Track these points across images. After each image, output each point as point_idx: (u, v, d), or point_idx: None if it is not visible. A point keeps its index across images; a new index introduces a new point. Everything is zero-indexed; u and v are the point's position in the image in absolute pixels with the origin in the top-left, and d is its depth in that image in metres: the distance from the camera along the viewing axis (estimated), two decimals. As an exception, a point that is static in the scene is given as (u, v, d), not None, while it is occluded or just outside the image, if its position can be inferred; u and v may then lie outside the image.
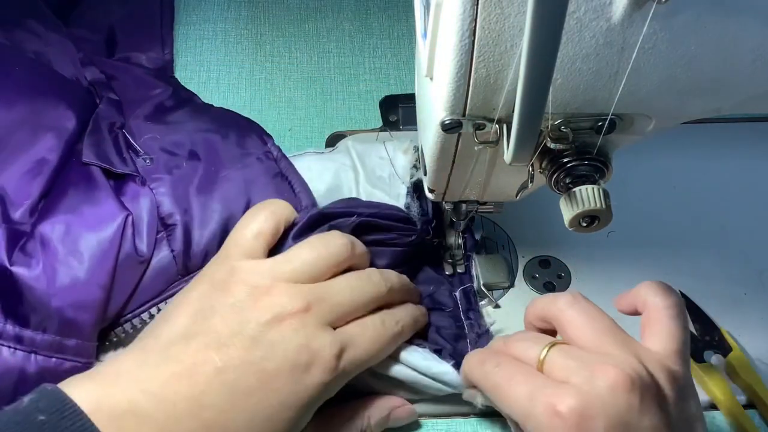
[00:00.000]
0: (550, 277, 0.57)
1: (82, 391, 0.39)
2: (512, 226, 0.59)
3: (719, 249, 0.59)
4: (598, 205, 0.37)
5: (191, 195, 0.50)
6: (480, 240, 0.58)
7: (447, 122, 0.37)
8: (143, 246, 0.48)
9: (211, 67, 0.69)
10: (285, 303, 0.43)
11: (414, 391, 0.50)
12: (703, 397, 0.52)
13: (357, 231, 0.49)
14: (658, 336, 0.42)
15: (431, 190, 0.48)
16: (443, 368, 0.48)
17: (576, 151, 0.38)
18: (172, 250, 0.49)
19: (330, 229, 0.49)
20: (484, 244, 0.58)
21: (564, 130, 0.37)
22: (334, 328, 0.45)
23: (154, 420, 0.40)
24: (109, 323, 0.48)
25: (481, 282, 0.56)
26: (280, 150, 0.54)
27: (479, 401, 0.47)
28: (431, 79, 0.38)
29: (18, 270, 0.45)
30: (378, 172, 0.56)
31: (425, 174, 0.47)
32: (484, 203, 0.51)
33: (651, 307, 0.43)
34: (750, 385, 0.51)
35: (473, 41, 0.33)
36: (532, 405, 0.39)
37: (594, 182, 0.38)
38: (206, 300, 0.44)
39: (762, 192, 0.62)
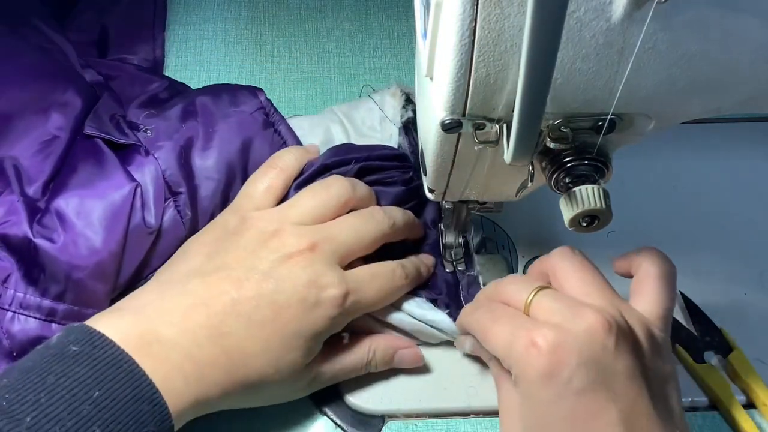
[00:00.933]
0: (550, 277, 0.57)
1: (108, 324, 0.42)
2: (512, 226, 0.59)
3: (719, 249, 0.59)
4: (598, 205, 0.37)
5: (194, 157, 0.53)
6: (480, 240, 0.58)
7: (447, 122, 0.37)
8: (151, 218, 0.50)
9: (211, 67, 0.69)
10: (293, 243, 0.47)
11: (410, 337, 0.52)
12: (702, 397, 0.52)
13: (356, 176, 0.52)
14: (645, 299, 0.44)
15: (431, 190, 0.48)
16: (438, 316, 0.51)
17: (576, 151, 0.38)
18: (181, 216, 0.51)
19: (332, 175, 0.51)
20: (484, 243, 0.58)
21: (564, 130, 0.37)
22: (344, 268, 0.48)
23: (180, 346, 0.43)
24: (121, 290, 0.50)
25: (481, 282, 0.56)
26: (271, 103, 0.56)
27: (467, 346, 0.49)
28: (431, 79, 0.38)
29: (41, 242, 0.48)
30: (368, 122, 0.58)
31: (425, 174, 0.47)
32: (484, 203, 0.51)
33: (644, 271, 0.45)
34: (750, 386, 0.51)
35: (473, 41, 0.33)
36: (513, 339, 0.41)
37: (594, 182, 0.38)
38: (220, 243, 0.48)
39: (762, 192, 0.62)
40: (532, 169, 0.39)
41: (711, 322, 0.55)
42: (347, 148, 0.55)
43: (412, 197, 0.54)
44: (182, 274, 0.47)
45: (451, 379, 0.52)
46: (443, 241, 0.56)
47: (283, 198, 0.51)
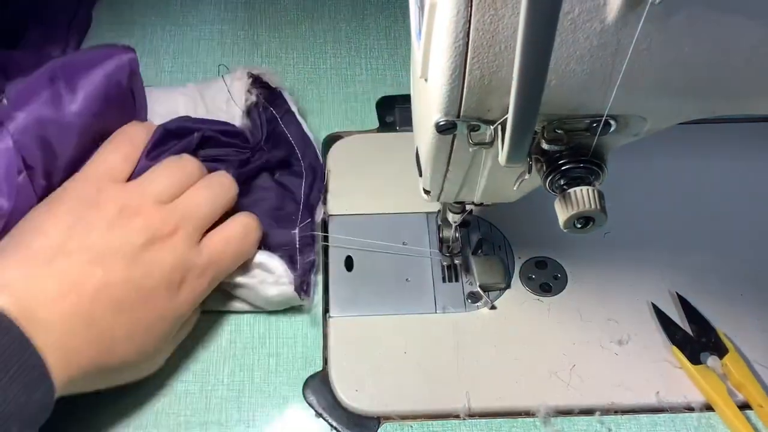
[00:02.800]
0: (546, 278, 0.57)
1: None
2: (508, 227, 0.59)
3: (716, 250, 0.59)
4: (593, 206, 0.37)
5: (52, 124, 0.50)
6: (477, 241, 0.58)
7: (441, 124, 0.37)
8: (3, 200, 0.48)
9: (208, 68, 0.69)
10: (158, 226, 0.48)
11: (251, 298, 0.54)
12: (699, 398, 0.52)
13: (197, 147, 0.56)
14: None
15: (427, 191, 0.48)
16: (273, 261, 0.53)
17: (571, 152, 0.38)
18: (35, 189, 0.50)
19: (177, 145, 0.54)
20: (481, 245, 0.58)
21: (558, 131, 0.37)
22: (201, 239, 0.50)
23: (55, 330, 0.43)
24: None
25: (478, 283, 0.56)
26: (137, 65, 0.55)
27: None
28: (426, 80, 0.38)
29: None
30: (217, 102, 0.60)
31: (420, 175, 0.47)
32: (480, 204, 0.51)
33: None
34: (746, 387, 0.51)
35: (467, 42, 0.33)
36: None
37: (589, 183, 0.38)
38: (77, 214, 0.47)
39: (759, 192, 0.62)
40: (527, 171, 0.39)
41: (707, 323, 0.55)
42: (187, 118, 0.57)
43: (244, 179, 0.57)
44: (42, 250, 0.45)
45: (446, 380, 0.52)
46: (440, 235, 0.56)
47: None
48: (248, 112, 0.60)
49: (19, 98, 0.50)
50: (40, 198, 0.50)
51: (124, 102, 0.54)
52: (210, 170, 0.54)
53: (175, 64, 0.69)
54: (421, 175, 0.47)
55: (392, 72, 0.70)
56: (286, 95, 0.63)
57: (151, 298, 0.46)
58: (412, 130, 0.50)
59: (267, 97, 0.61)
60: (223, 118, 0.59)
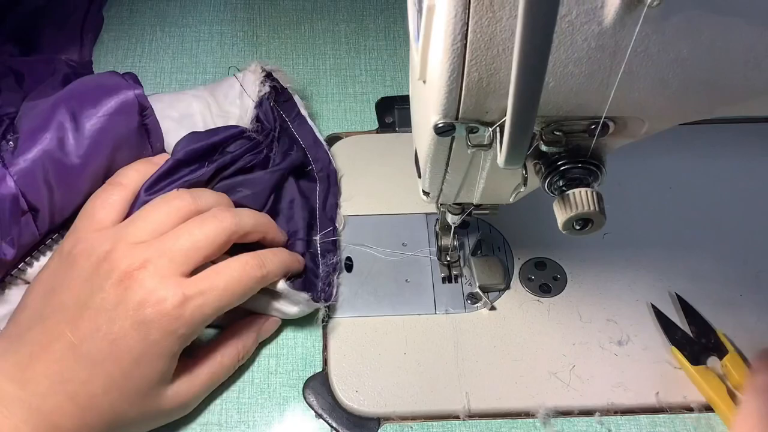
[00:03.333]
0: (545, 279, 0.57)
1: None
2: (508, 228, 0.59)
3: (715, 250, 0.59)
4: (591, 208, 0.37)
5: (57, 166, 0.50)
6: (476, 242, 0.58)
7: (440, 126, 0.37)
8: (6, 248, 0.48)
9: (207, 69, 0.69)
10: (123, 263, 0.45)
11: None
12: (699, 398, 0.52)
13: (215, 174, 0.54)
14: None
15: (426, 193, 0.48)
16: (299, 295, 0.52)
17: (569, 153, 0.38)
18: (38, 230, 0.50)
19: (188, 177, 0.53)
20: (480, 246, 0.58)
21: (557, 133, 0.37)
22: (192, 275, 0.46)
23: (21, 400, 0.41)
24: None
25: (477, 284, 0.56)
26: (145, 99, 0.54)
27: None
28: (424, 82, 0.38)
29: None
30: (230, 97, 0.60)
31: (419, 176, 0.47)
32: (480, 206, 0.51)
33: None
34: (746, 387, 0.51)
35: (465, 45, 0.33)
36: None
37: (587, 185, 0.38)
38: (55, 277, 0.47)
39: (758, 193, 0.62)
40: (526, 173, 0.39)
41: (707, 324, 0.55)
42: (194, 137, 0.55)
43: (279, 176, 0.56)
44: (23, 323, 0.46)
45: (446, 381, 0.52)
46: (438, 243, 0.56)
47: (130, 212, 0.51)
48: (260, 103, 0.59)
49: (25, 140, 0.50)
50: (43, 238, 0.50)
51: (133, 138, 0.54)
52: (238, 185, 0.54)
53: (175, 64, 0.69)
54: (420, 177, 0.47)
55: (391, 73, 0.70)
56: (297, 98, 0.62)
57: (121, 343, 0.44)
58: (411, 131, 0.50)
59: (276, 99, 0.61)
60: (236, 113, 0.59)
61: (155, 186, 0.52)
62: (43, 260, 0.52)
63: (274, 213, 0.56)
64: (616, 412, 0.52)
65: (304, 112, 0.62)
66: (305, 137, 0.61)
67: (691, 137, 0.64)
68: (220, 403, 0.51)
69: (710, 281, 0.57)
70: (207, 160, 0.54)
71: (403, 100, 0.67)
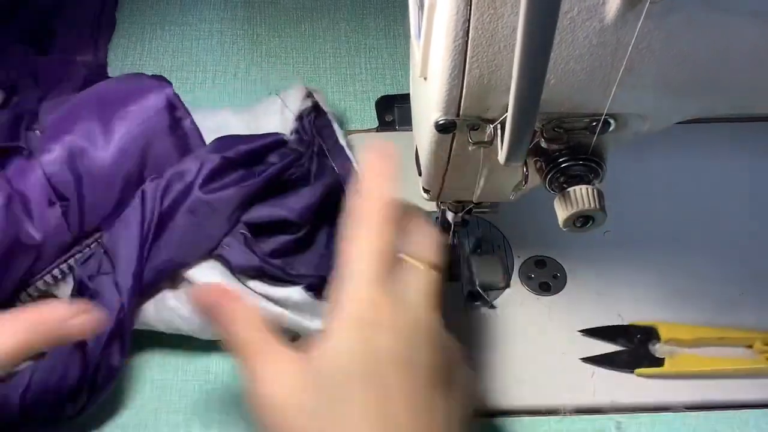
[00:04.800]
0: (545, 277, 0.57)
1: None
2: (508, 227, 0.59)
3: (715, 249, 0.59)
4: (592, 205, 0.37)
5: (86, 158, 0.50)
6: (475, 240, 0.58)
7: (441, 123, 0.37)
8: (33, 230, 0.47)
9: (207, 67, 0.69)
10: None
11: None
12: (694, 396, 0.52)
13: (266, 191, 0.53)
14: None
15: (426, 190, 0.48)
16: (286, 291, 0.50)
17: (570, 151, 0.38)
18: (68, 222, 0.49)
19: (239, 190, 0.51)
20: (480, 244, 0.58)
21: (558, 130, 0.37)
22: None
23: None
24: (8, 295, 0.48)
25: (477, 282, 0.56)
26: (177, 99, 0.54)
27: None
28: (425, 79, 0.38)
29: None
30: (270, 111, 0.59)
31: (420, 174, 0.47)
32: (480, 204, 0.51)
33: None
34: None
35: (467, 42, 0.33)
36: None
37: (588, 182, 0.38)
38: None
39: (758, 191, 0.62)
40: (527, 170, 0.39)
41: (627, 329, 0.54)
42: (231, 139, 0.54)
43: (329, 192, 0.54)
44: None
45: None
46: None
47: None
48: (300, 117, 0.58)
49: (53, 129, 0.50)
50: (74, 230, 0.49)
51: (165, 137, 0.53)
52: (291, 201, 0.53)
53: (175, 62, 0.69)
54: (420, 174, 0.47)
55: (392, 71, 0.70)
56: (335, 126, 0.60)
57: None
58: (411, 129, 0.50)
59: (315, 120, 0.59)
60: (275, 125, 0.57)
61: (209, 185, 0.51)
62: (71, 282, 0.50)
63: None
64: (618, 410, 0.52)
65: (342, 141, 0.59)
66: (341, 166, 0.58)
67: (692, 136, 0.64)
68: (220, 402, 0.51)
69: (710, 280, 0.57)
70: (252, 166, 0.53)
71: (403, 99, 0.66)
